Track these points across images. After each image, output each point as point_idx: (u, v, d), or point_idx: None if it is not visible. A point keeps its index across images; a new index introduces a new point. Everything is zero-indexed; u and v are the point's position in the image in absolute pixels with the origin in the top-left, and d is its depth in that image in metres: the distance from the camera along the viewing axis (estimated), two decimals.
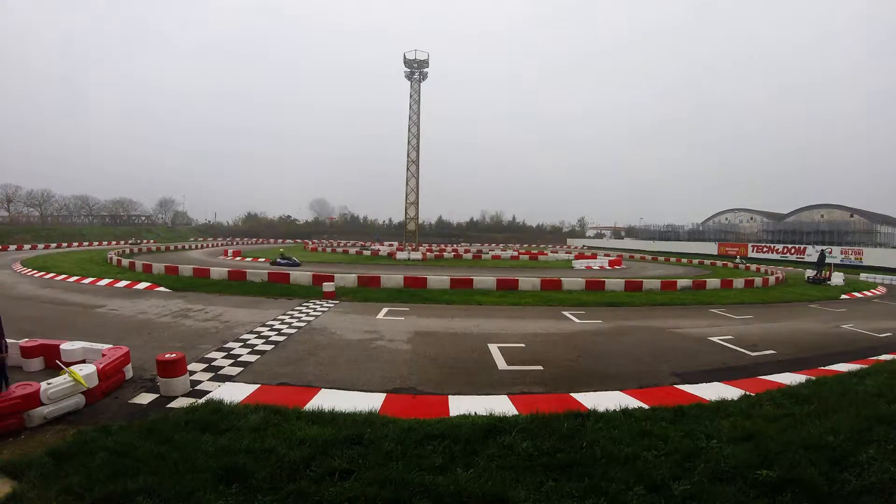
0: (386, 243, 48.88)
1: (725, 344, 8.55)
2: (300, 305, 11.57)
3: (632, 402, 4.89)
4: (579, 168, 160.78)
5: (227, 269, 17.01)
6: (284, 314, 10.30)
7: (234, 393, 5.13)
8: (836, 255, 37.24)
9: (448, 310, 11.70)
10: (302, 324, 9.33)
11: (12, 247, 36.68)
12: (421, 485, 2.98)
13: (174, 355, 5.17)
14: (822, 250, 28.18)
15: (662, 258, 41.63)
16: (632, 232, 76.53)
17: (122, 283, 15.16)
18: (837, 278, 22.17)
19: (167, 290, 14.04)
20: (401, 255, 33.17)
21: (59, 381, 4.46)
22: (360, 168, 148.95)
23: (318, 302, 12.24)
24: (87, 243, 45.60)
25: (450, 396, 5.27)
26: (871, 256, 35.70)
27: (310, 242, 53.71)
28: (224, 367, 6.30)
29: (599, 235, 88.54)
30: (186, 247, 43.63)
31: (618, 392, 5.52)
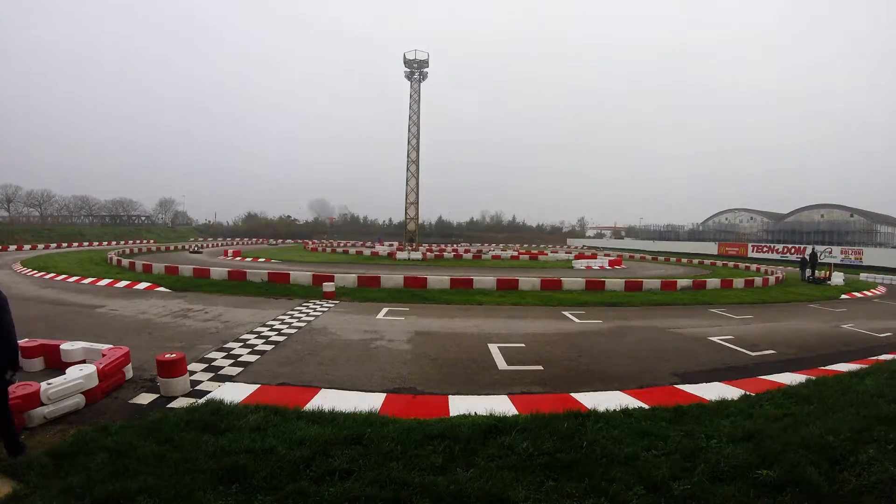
0: (386, 243, 48.89)
1: (725, 344, 8.55)
2: (300, 305, 11.57)
3: (632, 402, 4.89)
4: (580, 168, 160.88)
5: (227, 270, 17.01)
6: (284, 314, 10.29)
7: (234, 393, 5.13)
8: (836, 254, 37.22)
9: (448, 310, 11.70)
10: (302, 324, 9.33)
11: (12, 247, 36.66)
12: (421, 485, 2.98)
13: (174, 355, 5.17)
14: (814, 248, 28.08)
15: (662, 258, 41.62)
16: (632, 232, 76.52)
17: (122, 283, 15.15)
18: (837, 278, 22.15)
19: (167, 290, 14.04)
20: (401, 255, 33.12)
21: (60, 381, 4.46)
22: (361, 168, 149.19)
23: (318, 302, 12.23)
24: (87, 243, 45.59)
25: (450, 396, 5.27)
26: (871, 256, 35.67)
27: (310, 242, 53.68)
28: (224, 367, 6.30)
29: (599, 235, 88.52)
30: (186, 247, 43.62)
31: (618, 392, 5.51)
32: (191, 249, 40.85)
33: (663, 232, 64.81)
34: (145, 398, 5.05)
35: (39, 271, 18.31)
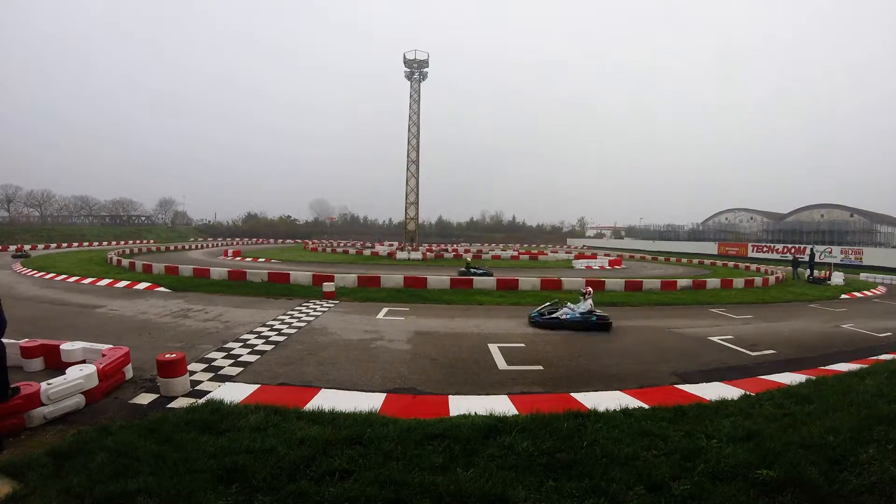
0: (386, 243, 48.89)
1: (725, 344, 8.55)
2: (300, 305, 11.57)
3: (632, 402, 4.89)
4: (580, 168, 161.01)
5: (227, 270, 17.01)
6: (284, 314, 10.30)
7: (234, 393, 5.13)
8: (836, 254, 37.23)
9: (448, 310, 11.70)
10: (302, 324, 9.33)
11: (12, 247, 36.66)
12: (421, 485, 2.98)
13: (174, 355, 5.17)
14: (812, 248, 28.12)
15: (662, 258, 41.62)
16: (632, 232, 76.50)
17: (122, 284, 15.15)
18: (837, 278, 22.15)
19: (167, 290, 14.04)
20: (401, 255, 33.12)
21: (60, 381, 4.46)
22: (361, 168, 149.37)
23: (318, 302, 12.23)
24: (87, 243, 45.60)
25: (450, 396, 5.27)
26: (871, 256, 35.67)
27: (310, 242, 53.69)
28: (224, 367, 6.30)
29: (599, 235, 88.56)
30: (186, 247, 43.63)
31: (618, 392, 5.51)
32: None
33: (663, 232, 64.83)
34: (145, 398, 5.04)
35: (39, 271, 18.31)
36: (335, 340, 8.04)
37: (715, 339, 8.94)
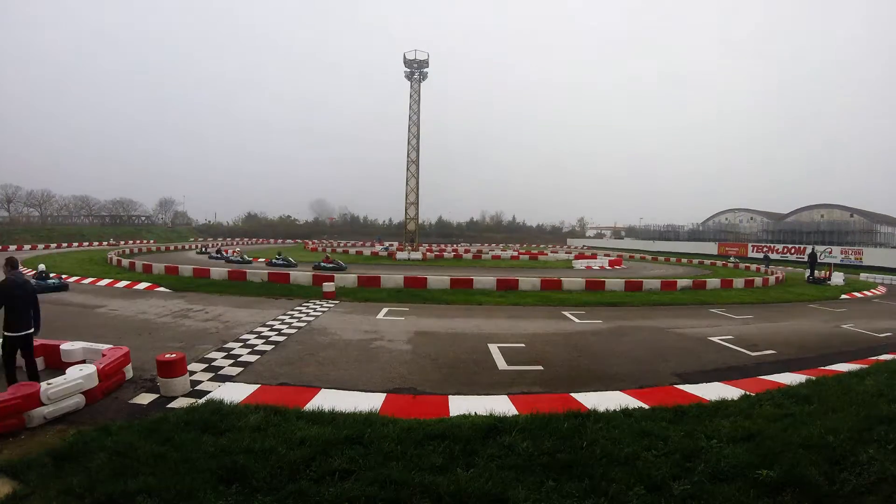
0: (386, 243, 48.92)
1: (725, 344, 8.55)
2: (300, 305, 11.57)
3: (632, 402, 4.89)
4: (580, 168, 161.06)
5: (227, 270, 17.01)
6: (284, 314, 10.30)
7: (234, 393, 5.13)
8: (836, 255, 37.22)
9: (448, 310, 11.70)
10: (302, 324, 9.33)
11: (12, 247, 36.66)
12: (421, 485, 2.98)
13: (174, 355, 5.17)
14: (814, 249, 28.10)
15: (662, 258, 41.62)
16: (632, 232, 76.52)
17: (122, 284, 15.17)
18: (837, 278, 22.16)
19: (167, 290, 14.05)
20: (401, 255, 33.15)
21: (60, 381, 4.46)
22: (361, 168, 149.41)
23: (318, 302, 12.23)
24: (86, 243, 45.61)
25: (450, 396, 5.27)
26: (871, 256, 35.66)
27: (310, 243, 53.72)
28: (224, 367, 6.30)
29: (599, 235, 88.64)
30: (186, 247, 43.63)
31: (618, 392, 5.51)
32: (198, 250, 36.52)
33: (663, 232, 64.83)
34: (145, 398, 5.05)
35: None
36: (335, 341, 8.04)
37: (715, 339, 8.95)
